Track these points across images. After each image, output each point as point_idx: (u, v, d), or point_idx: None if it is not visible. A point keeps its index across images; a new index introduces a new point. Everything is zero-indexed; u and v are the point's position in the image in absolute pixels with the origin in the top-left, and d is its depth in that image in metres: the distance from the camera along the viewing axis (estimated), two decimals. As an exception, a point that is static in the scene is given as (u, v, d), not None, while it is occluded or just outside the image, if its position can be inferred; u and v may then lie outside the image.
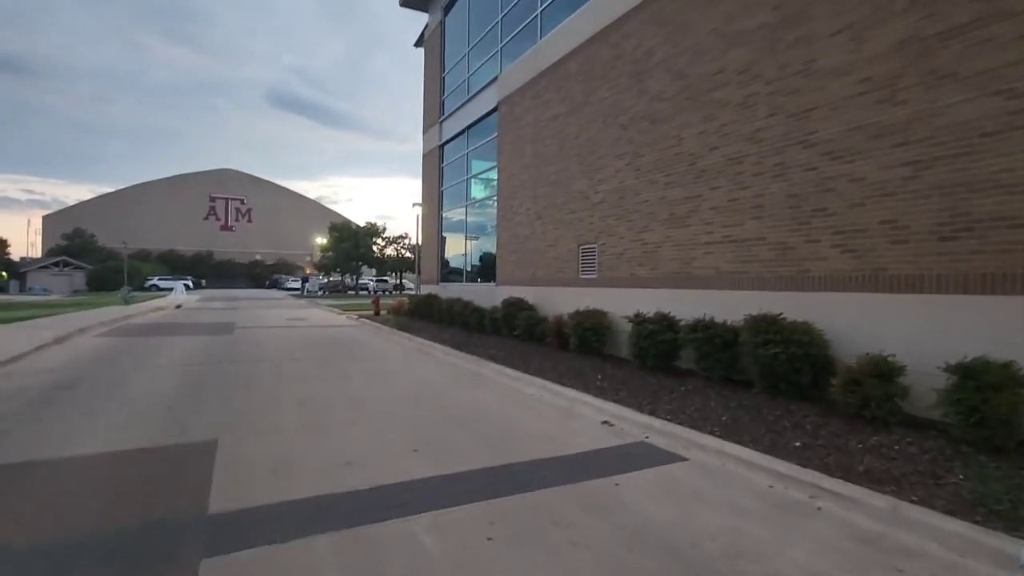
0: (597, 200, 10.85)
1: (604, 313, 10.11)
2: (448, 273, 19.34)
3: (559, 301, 11.76)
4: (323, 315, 23.74)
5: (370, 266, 56.27)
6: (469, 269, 17.63)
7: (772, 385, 6.53)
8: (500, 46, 15.32)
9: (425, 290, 20.37)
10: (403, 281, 65.73)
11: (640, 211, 9.68)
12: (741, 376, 7.26)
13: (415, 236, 33.82)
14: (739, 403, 6.32)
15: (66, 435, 5.32)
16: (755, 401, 6.37)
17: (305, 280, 57.11)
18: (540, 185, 12.85)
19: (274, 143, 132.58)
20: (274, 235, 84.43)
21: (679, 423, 5.68)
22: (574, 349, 10.28)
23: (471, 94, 17.12)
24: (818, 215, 6.69)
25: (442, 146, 19.68)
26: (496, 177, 15.22)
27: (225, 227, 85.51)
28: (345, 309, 24.91)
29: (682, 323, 8.11)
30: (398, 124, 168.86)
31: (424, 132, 21.44)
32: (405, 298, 23.82)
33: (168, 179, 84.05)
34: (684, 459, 4.86)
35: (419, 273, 23.29)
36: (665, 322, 8.42)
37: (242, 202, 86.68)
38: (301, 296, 46.62)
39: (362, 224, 53.43)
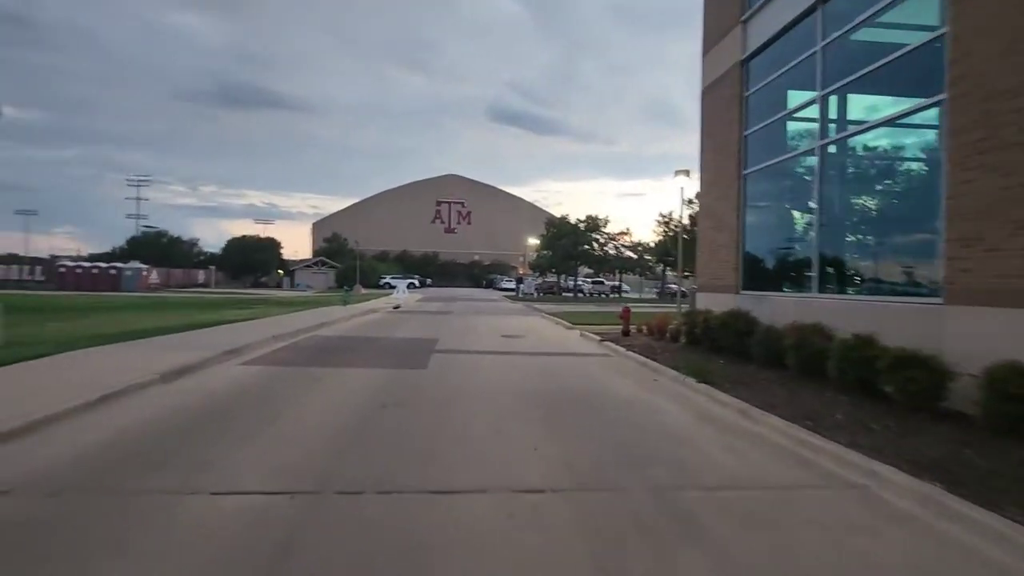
0: None
1: None
2: (759, 275, 11.36)
3: None
4: (547, 330, 17.78)
5: (589, 265, 50.36)
6: (829, 269, 9.40)
7: None
8: None
9: (704, 302, 12.71)
10: (621, 284, 58.68)
11: None
12: None
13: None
14: None
15: None
16: None
17: (520, 281, 53.86)
18: None
19: (490, 153, 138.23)
20: (491, 236, 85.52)
21: None
22: None
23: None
24: None
25: (746, 61, 11.83)
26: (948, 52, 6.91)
27: (448, 229, 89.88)
28: (574, 321, 18.62)
29: None
30: (603, 127, 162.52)
31: (705, 54, 13.80)
32: (664, 312, 16.64)
33: (401, 187, 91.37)
34: None
35: (682, 273, 15.77)
36: None
37: (463, 205, 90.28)
38: (516, 298, 42.79)
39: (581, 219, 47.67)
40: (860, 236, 9.21)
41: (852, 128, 9.43)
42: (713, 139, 13.04)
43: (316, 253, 77.01)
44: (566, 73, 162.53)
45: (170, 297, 34.92)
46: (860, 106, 9.46)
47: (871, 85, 8.66)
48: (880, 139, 9.09)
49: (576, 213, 48.06)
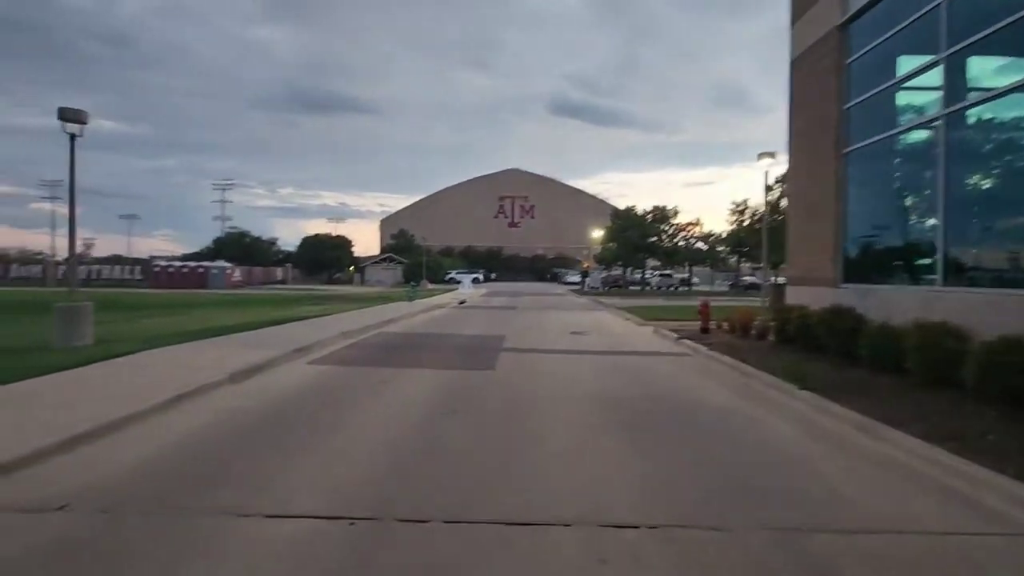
0: None
1: None
2: (864, 267, 10.04)
3: None
4: (617, 326, 16.94)
5: (657, 258, 48.51)
6: (958, 258, 8.07)
7: None
8: None
9: (796, 296, 11.47)
10: (691, 276, 56.21)
11: None
12: None
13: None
14: None
15: None
16: None
17: (585, 275, 52.74)
18: None
19: (552, 147, 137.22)
20: (554, 230, 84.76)
21: None
22: None
23: None
24: None
25: (846, 25, 10.47)
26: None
27: (512, 224, 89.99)
28: (645, 317, 17.65)
29: None
30: (668, 115, 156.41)
31: (793, 23, 12.43)
32: (745, 307, 15.46)
33: (465, 183, 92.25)
34: None
35: (767, 264, 14.46)
36: None
37: (526, 200, 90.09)
38: (581, 292, 41.86)
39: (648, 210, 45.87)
40: (999, 219, 7.81)
41: (984, 94, 8.02)
42: (805, 115, 11.72)
43: (384, 250, 79.15)
44: (628, 62, 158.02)
45: (251, 294, 36.77)
46: (993, 68, 8.04)
47: (1008, 43, 7.28)
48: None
49: (641, 204, 46.33)
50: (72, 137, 10.25)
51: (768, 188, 24.62)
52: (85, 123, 10.38)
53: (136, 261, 52.97)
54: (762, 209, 24.55)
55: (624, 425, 5.66)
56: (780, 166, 16.34)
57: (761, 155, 14.64)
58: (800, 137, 12.00)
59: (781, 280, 21.60)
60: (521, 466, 4.47)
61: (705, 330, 13.13)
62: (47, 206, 72.47)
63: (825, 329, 8.77)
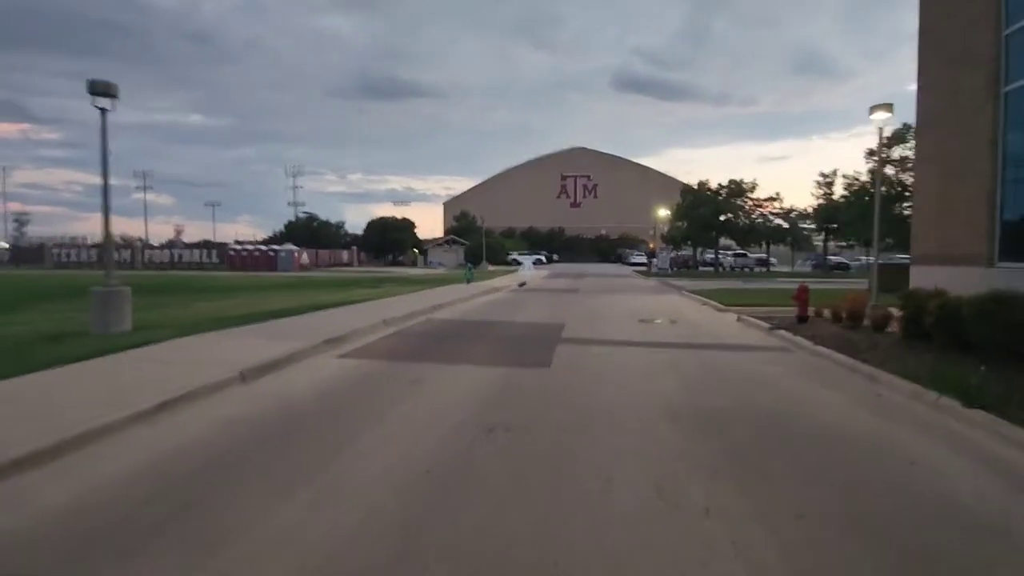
0: None
1: None
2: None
3: None
4: (692, 311, 15.03)
5: (732, 236, 44.99)
6: None
7: None
8: None
9: (926, 278, 9.20)
10: (769, 256, 51.96)
11: None
12: None
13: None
14: None
15: None
16: None
17: (652, 255, 49.91)
18: None
19: (617, 124, 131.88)
20: (618, 209, 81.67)
21: None
22: None
23: None
24: None
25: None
26: None
27: (574, 204, 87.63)
28: (725, 302, 15.58)
29: None
30: (739, 86, 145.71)
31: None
32: (850, 290, 13.28)
33: (527, 163, 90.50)
34: None
35: (878, 240, 12.11)
36: None
37: (588, 179, 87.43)
38: (648, 274, 39.46)
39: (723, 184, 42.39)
40: None
41: None
42: (943, 50, 9.29)
43: (446, 232, 79.20)
44: (696, 32, 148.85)
45: (314, 276, 37.25)
46: None
47: None
48: None
49: (712, 181, 42.85)
50: (103, 112, 9.66)
51: (871, 153, 21.46)
52: (116, 96, 9.75)
53: (212, 245, 55.50)
54: (864, 177, 21.38)
55: (724, 464, 4.09)
56: (886, 128, 13.63)
57: (874, 107, 12.03)
58: (935, 78, 9.57)
59: (901, 259, 18.77)
60: (577, 523, 3.07)
61: (803, 318, 11.08)
62: (145, 196, 77.91)
63: (984, 322, 6.67)
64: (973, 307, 6.67)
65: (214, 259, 51.20)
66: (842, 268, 47.96)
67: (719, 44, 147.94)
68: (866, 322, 9.83)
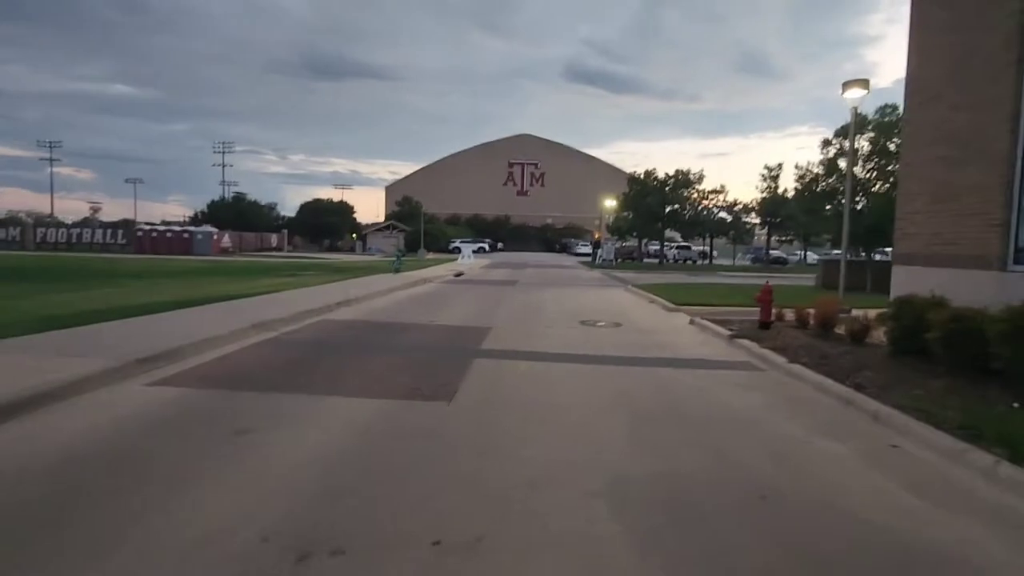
0: None
1: None
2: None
3: None
4: (640, 311, 13.38)
5: (678, 228, 44.46)
6: None
7: None
8: None
9: (915, 281, 7.76)
10: (711, 249, 52.03)
11: None
12: None
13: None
14: None
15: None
16: None
17: (597, 246, 48.76)
18: None
19: (567, 115, 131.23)
20: (564, 199, 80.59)
21: None
22: None
23: None
24: None
25: None
26: None
27: (520, 192, 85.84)
28: (674, 300, 14.02)
29: None
30: (686, 83, 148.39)
31: None
32: (827, 293, 11.99)
33: (473, 148, 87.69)
34: None
35: (848, 233, 10.80)
36: None
37: (536, 166, 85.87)
38: (593, 265, 38.16)
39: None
40: None
41: None
42: (946, 8, 7.78)
43: (388, 217, 75.50)
44: (647, 26, 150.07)
45: (231, 261, 33.59)
46: None
47: None
48: None
49: (659, 171, 41.99)
50: None
51: (826, 143, 20.45)
52: None
53: (115, 224, 49.99)
54: (817, 168, 20.44)
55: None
56: (836, 118, 12.34)
57: (848, 84, 10.66)
58: (935, 40, 8.04)
59: (888, 257, 17.84)
60: None
61: (766, 324, 9.56)
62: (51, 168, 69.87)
63: (1013, 343, 5.14)
64: (1004, 323, 5.12)
65: (120, 240, 46.01)
66: (780, 263, 48.64)
67: (668, 38, 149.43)
68: (841, 332, 8.36)
